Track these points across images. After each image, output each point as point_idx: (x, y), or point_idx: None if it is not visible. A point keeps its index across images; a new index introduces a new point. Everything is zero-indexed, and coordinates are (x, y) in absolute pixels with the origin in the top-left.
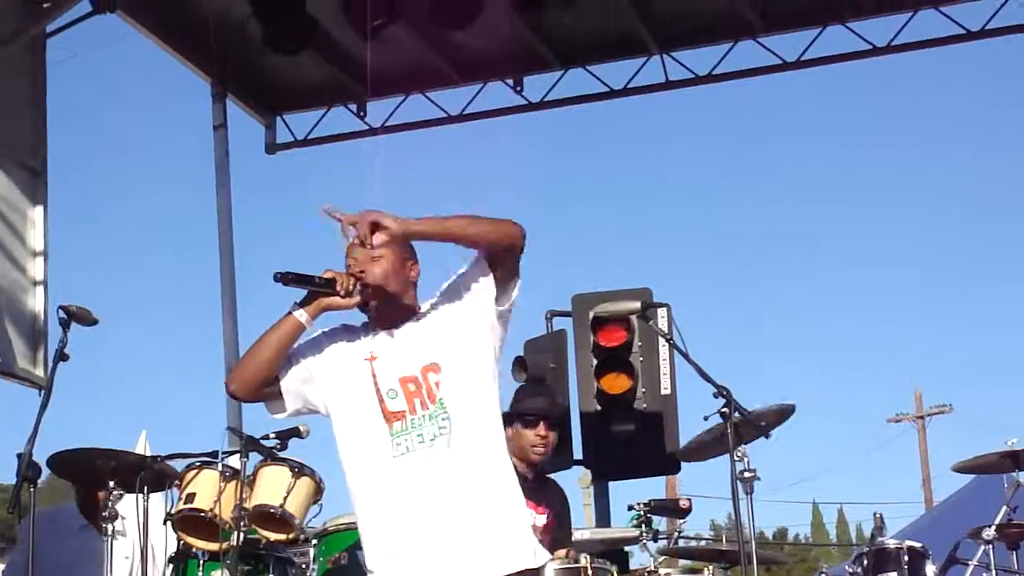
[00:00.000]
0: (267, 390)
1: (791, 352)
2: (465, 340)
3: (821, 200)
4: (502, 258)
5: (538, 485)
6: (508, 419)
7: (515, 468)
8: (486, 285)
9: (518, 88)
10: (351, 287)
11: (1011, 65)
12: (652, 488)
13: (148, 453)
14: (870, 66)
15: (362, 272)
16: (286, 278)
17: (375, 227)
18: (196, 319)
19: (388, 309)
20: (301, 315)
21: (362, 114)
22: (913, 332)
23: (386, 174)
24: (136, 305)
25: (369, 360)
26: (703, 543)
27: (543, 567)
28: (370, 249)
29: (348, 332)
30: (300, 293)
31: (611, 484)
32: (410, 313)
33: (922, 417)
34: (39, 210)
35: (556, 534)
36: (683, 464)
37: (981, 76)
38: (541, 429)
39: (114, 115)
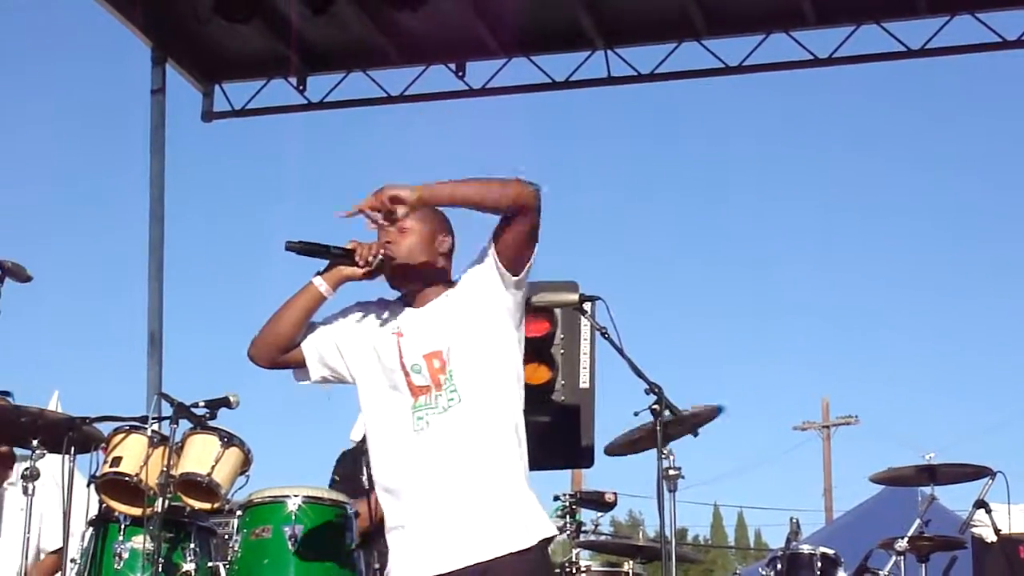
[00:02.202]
0: (286, 357)
1: (700, 354)
2: (481, 320)
3: (741, 203)
4: (518, 220)
5: None
6: None
7: None
8: (492, 264)
9: (460, 73)
10: (371, 258)
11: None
12: (559, 480)
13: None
14: (810, 75)
15: (388, 243)
16: (295, 247)
17: (395, 200)
18: (120, 283)
19: (414, 284)
20: (320, 284)
21: (301, 88)
22: (825, 341)
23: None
24: (61, 265)
25: (396, 335)
26: (604, 538)
27: (546, 540)
28: (401, 221)
29: (380, 306)
30: (318, 264)
31: None
32: (439, 288)
33: (828, 427)
34: None
35: None
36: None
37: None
38: None
39: (51, 73)
